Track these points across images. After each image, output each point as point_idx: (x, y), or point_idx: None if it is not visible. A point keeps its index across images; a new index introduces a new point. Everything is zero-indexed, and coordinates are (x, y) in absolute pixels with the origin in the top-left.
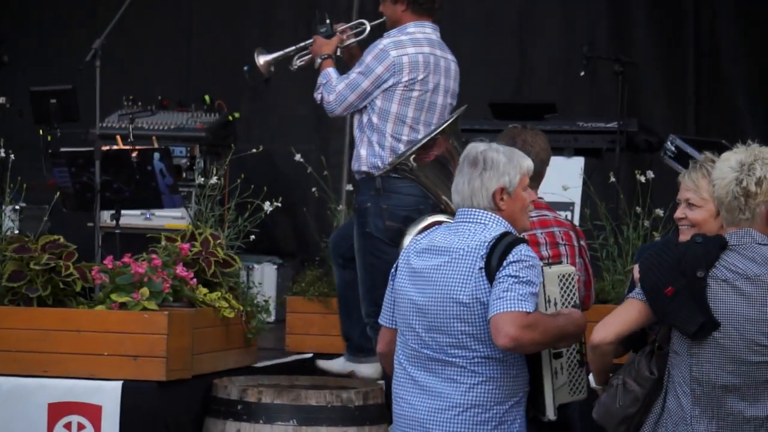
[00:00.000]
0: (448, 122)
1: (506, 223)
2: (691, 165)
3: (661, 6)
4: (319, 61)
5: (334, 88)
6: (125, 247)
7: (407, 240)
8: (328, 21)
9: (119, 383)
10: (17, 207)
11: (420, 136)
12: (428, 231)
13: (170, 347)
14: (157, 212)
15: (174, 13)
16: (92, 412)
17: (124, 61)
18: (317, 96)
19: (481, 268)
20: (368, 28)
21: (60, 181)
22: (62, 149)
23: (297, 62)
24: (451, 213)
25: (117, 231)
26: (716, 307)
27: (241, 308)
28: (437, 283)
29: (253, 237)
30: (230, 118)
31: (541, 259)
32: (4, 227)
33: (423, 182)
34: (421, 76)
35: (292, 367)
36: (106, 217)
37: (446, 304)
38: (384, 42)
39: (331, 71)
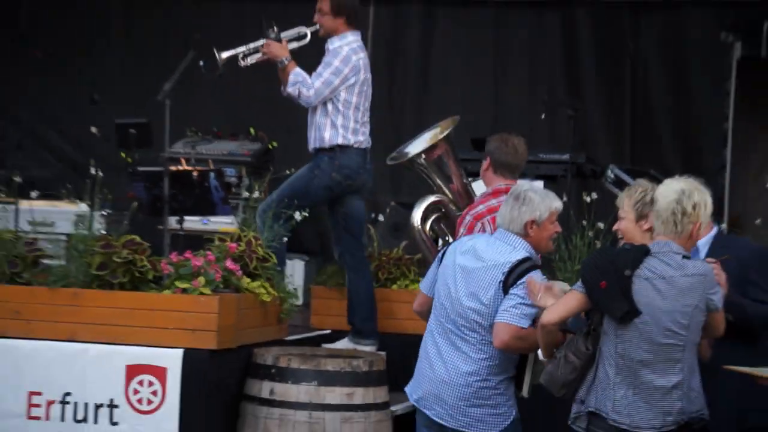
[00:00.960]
0: (449, 130)
1: (529, 247)
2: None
3: (603, 63)
4: (285, 62)
5: (311, 85)
6: (187, 246)
7: (417, 212)
8: (275, 28)
9: (181, 350)
10: (104, 213)
11: (365, 119)
12: (473, 236)
13: (220, 323)
14: (213, 218)
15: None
16: (159, 373)
17: (187, 99)
18: (293, 91)
19: (500, 282)
20: (309, 35)
21: (137, 194)
22: (139, 168)
23: (248, 60)
24: (449, 199)
25: (181, 233)
26: (638, 299)
27: (276, 294)
28: (470, 280)
29: (285, 239)
30: (270, 146)
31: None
32: (94, 229)
33: (428, 174)
34: (366, 75)
35: (314, 341)
36: (172, 222)
37: (470, 298)
38: (345, 49)
39: (300, 71)
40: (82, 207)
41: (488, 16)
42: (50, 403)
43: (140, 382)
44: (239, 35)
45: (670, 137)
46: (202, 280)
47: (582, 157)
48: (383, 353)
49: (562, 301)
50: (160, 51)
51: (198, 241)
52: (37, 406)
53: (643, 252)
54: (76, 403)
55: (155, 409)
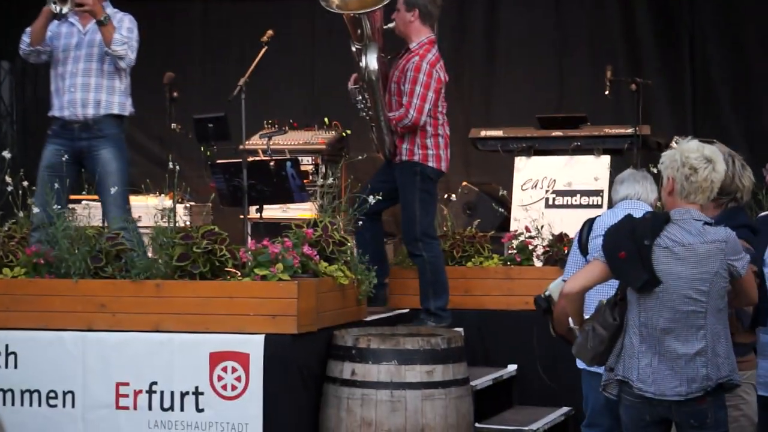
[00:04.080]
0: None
1: None
2: None
3: (662, 39)
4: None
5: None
6: (268, 234)
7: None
8: None
9: (262, 336)
10: (187, 205)
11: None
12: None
13: (300, 308)
14: (291, 206)
15: (302, 54)
16: (242, 359)
17: (263, 92)
18: (121, 49)
19: None
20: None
21: (217, 185)
22: (218, 161)
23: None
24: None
25: (260, 221)
26: (658, 267)
27: (353, 277)
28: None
29: (360, 223)
30: (343, 134)
31: None
32: (176, 221)
33: None
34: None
35: (393, 320)
36: (253, 210)
37: None
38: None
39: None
40: (166, 200)
41: None
42: (137, 392)
43: (224, 369)
44: (311, 32)
45: (730, 109)
46: (280, 266)
47: (647, 130)
48: (461, 329)
49: (583, 270)
50: (235, 47)
51: (278, 228)
52: (125, 396)
53: (663, 220)
54: (162, 392)
55: (239, 395)
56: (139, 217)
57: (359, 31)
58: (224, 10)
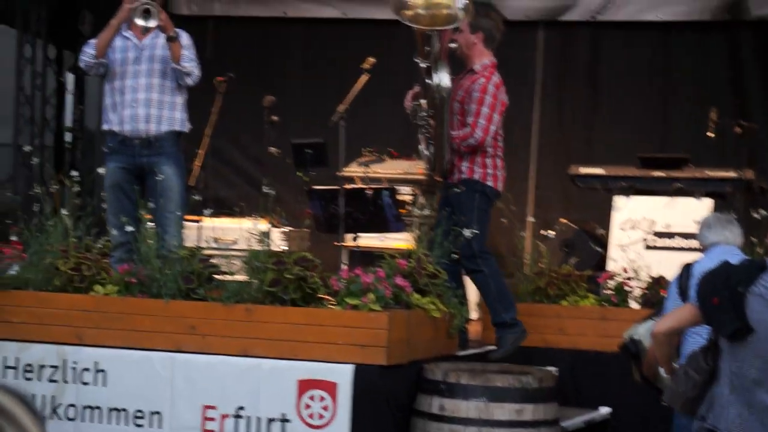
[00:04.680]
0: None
1: None
2: None
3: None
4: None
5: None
6: (363, 261)
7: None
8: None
9: (351, 366)
10: (285, 230)
11: None
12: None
13: (390, 339)
14: (389, 235)
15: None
16: (330, 388)
17: (363, 119)
18: (191, 66)
19: None
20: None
21: (314, 211)
22: (315, 187)
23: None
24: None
25: (357, 249)
26: (751, 316)
27: (446, 310)
28: None
29: (455, 255)
30: None
31: None
32: (270, 245)
33: None
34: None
35: (485, 356)
36: (350, 238)
37: None
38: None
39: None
40: (261, 224)
41: (654, 38)
42: (224, 416)
43: (312, 397)
44: (412, 59)
45: None
46: (372, 296)
47: (750, 174)
48: (553, 369)
49: (674, 312)
50: (335, 73)
51: (374, 257)
52: (212, 419)
53: (759, 267)
54: (249, 418)
55: (326, 425)
56: (234, 239)
57: (428, 49)
58: (326, 33)
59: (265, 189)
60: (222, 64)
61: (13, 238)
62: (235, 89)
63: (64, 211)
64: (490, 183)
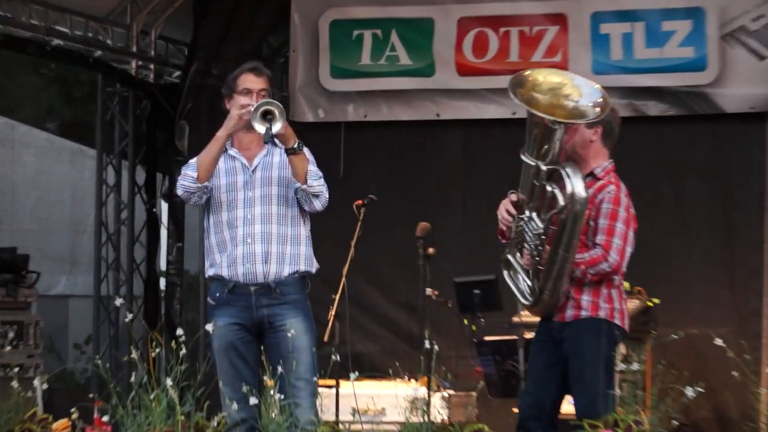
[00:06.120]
0: None
1: None
2: None
3: None
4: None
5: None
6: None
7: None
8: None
9: None
10: (444, 394)
11: None
12: None
13: None
14: None
15: None
16: None
17: None
18: (318, 185)
19: None
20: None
21: (485, 369)
22: (486, 338)
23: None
24: None
25: None
26: None
27: None
28: None
29: (675, 422)
30: (649, 303)
31: None
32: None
33: None
34: None
35: None
36: None
37: None
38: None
39: None
40: (418, 388)
41: None
42: None
43: None
44: None
45: None
46: None
47: None
48: None
49: None
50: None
51: (566, 427)
52: None
53: None
54: None
55: None
56: (383, 408)
57: (546, 147)
58: (482, 161)
59: (427, 343)
60: (353, 181)
61: (101, 417)
62: (373, 211)
63: (168, 381)
64: (617, 321)
